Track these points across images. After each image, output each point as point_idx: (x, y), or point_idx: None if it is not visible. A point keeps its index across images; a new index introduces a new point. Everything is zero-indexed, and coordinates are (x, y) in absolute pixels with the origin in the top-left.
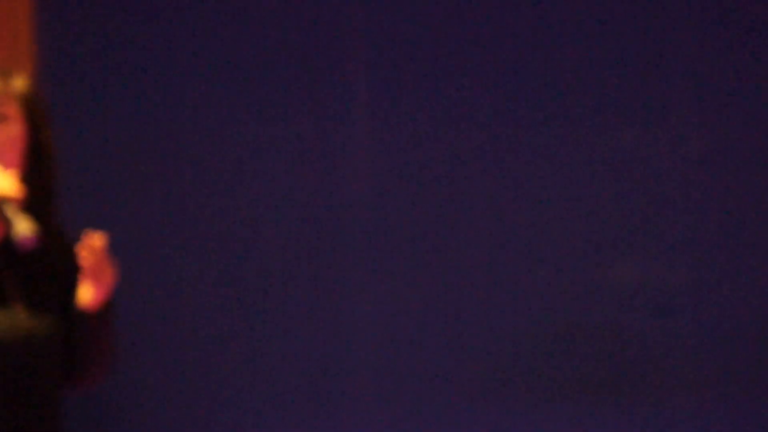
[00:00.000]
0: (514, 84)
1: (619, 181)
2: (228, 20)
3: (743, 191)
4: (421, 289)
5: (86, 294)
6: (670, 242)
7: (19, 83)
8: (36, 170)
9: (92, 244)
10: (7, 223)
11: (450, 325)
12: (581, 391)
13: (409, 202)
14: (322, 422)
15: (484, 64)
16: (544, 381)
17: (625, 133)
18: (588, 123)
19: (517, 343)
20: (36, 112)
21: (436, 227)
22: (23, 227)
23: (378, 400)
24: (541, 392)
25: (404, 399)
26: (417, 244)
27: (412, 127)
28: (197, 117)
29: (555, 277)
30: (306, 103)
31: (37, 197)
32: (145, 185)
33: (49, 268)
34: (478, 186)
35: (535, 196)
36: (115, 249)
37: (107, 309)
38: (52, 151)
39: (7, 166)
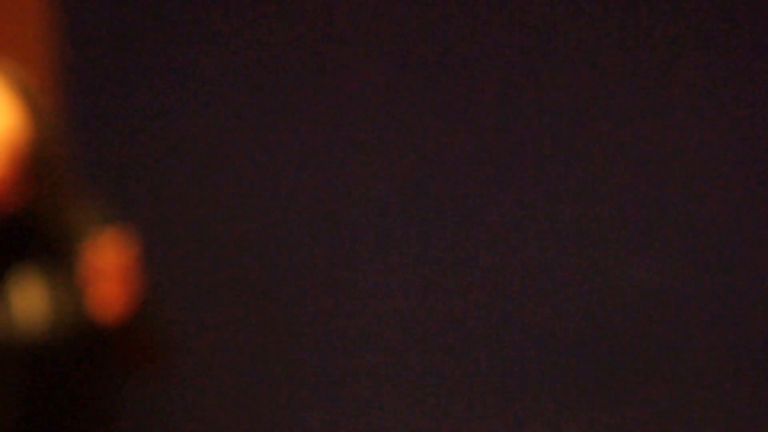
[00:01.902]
0: (523, 81)
1: (627, 180)
2: (240, 20)
3: (749, 192)
4: (428, 287)
5: (104, 302)
6: (675, 244)
7: (20, 80)
8: (40, 170)
9: (115, 249)
10: None
11: (457, 324)
12: (585, 391)
13: (419, 202)
14: (332, 421)
15: (492, 63)
16: (548, 382)
17: (632, 134)
18: (595, 124)
19: (522, 343)
20: (37, 113)
21: (444, 226)
22: None
23: (390, 399)
24: (545, 393)
25: (413, 396)
26: (425, 244)
27: (421, 127)
28: (209, 118)
29: (563, 276)
30: (316, 102)
31: (44, 199)
32: (156, 184)
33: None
34: (485, 185)
35: (540, 196)
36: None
37: (133, 317)
38: (56, 150)
39: (10, 169)
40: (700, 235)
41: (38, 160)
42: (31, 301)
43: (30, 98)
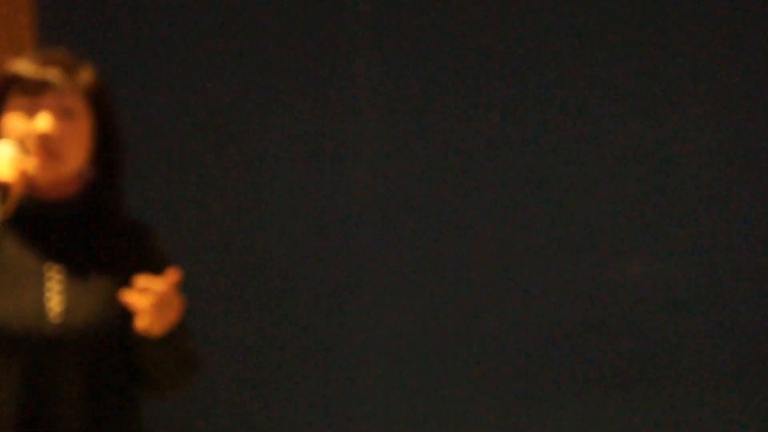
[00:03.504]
0: (523, 79)
1: (629, 178)
2: (233, 16)
3: (754, 187)
4: (431, 285)
5: (146, 322)
6: (680, 239)
7: (85, 76)
8: (104, 162)
9: (159, 284)
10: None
11: (461, 322)
12: (593, 387)
13: (418, 199)
14: (329, 421)
15: (492, 58)
16: (556, 378)
17: (635, 130)
18: (597, 119)
19: (528, 339)
20: (103, 105)
21: (444, 223)
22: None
23: (388, 398)
24: (552, 389)
25: (416, 395)
26: (425, 242)
27: (419, 124)
28: (200, 114)
29: (566, 274)
30: (311, 99)
31: (105, 188)
32: (147, 182)
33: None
34: (486, 182)
35: (544, 192)
36: None
37: (170, 336)
38: (120, 143)
39: (73, 160)
40: (699, 233)
41: (102, 156)
42: (66, 291)
43: (101, 100)
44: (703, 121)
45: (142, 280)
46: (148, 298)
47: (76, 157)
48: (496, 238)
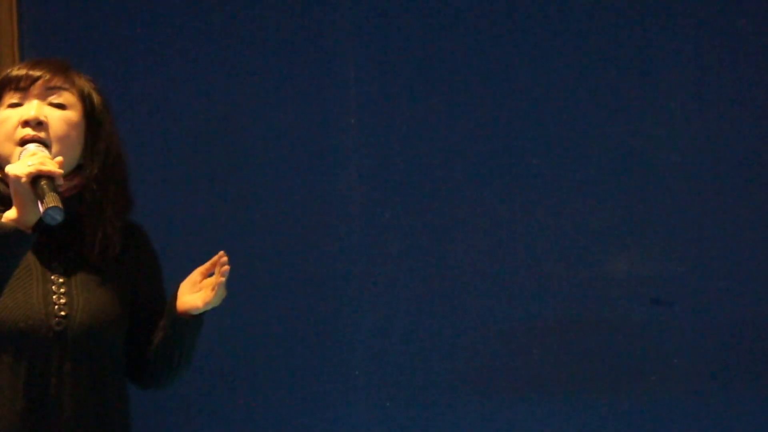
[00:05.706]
0: (509, 78)
1: (613, 174)
2: (217, 17)
3: (738, 183)
4: (415, 282)
5: (194, 301)
6: (665, 235)
7: (80, 79)
8: (95, 160)
9: (221, 263)
10: (40, 197)
11: (445, 319)
12: (577, 384)
13: (403, 197)
14: (315, 419)
15: (478, 58)
16: (539, 375)
17: (619, 126)
18: (581, 116)
19: (511, 337)
20: (95, 107)
21: (429, 222)
22: (52, 201)
23: (374, 397)
24: (537, 386)
25: (399, 394)
26: (410, 240)
27: (405, 123)
28: (187, 113)
29: (550, 270)
30: (297, 101)
31: (98, 187)
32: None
33: (104, 252)
34: (471, 180)
35: (529, 189)
36: None
37: (202, 318)
38: (111, 143)
39: (63, 149)
40: (684, 231)
41: (95, 157)
42: (70, 290)
43: (95, 105)
44: (687, 120)
45: (206, 267)
46: (221, 278)
47: (67, 146)
48: (481, 236)
